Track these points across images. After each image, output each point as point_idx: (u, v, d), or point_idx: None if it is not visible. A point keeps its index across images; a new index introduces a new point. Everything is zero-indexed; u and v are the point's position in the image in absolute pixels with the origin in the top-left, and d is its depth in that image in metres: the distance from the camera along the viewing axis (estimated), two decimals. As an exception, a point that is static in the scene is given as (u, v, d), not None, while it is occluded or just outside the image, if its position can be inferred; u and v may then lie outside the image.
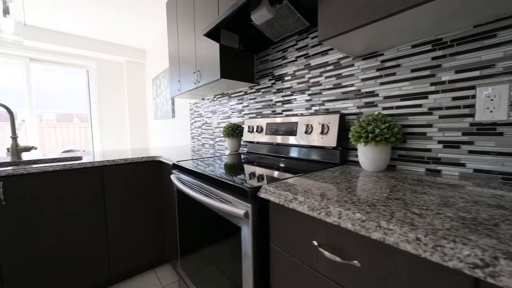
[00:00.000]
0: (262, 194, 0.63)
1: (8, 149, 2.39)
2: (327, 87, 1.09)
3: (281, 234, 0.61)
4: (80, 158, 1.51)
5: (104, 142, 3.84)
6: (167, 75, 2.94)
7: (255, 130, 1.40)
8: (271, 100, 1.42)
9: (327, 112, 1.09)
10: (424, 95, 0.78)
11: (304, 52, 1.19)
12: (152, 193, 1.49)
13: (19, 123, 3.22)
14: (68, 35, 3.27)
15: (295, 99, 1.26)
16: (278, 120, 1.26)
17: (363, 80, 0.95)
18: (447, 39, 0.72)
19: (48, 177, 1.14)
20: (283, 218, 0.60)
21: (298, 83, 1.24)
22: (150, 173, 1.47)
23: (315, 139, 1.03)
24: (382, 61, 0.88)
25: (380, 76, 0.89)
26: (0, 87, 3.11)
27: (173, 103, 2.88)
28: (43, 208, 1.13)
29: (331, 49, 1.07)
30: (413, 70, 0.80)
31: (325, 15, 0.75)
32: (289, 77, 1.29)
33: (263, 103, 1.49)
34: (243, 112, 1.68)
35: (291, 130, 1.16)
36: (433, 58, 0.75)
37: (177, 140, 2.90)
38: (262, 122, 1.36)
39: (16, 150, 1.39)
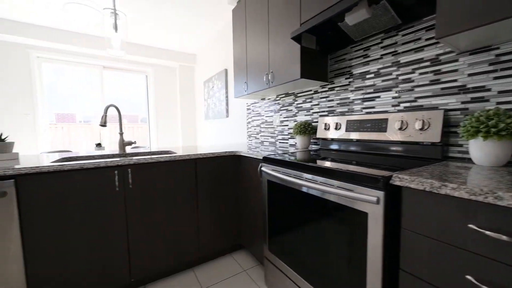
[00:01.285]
0: (397, 182, 0.69)
1: (96, 144, 2.79)
2: (421, 83, 1.10)
3: (419, 219, 0.66)
4: (170, 152, 1.72)
5: (159, 141, 4.22)
6: (221, 77, 3.14)
7: (332, 127, 1.45)
8: (348, 98, 1.46)
9: (425, 108, 1.09)
10: (554, 88, 0.76)
11: (392, 50, 1.21)
12: (231, 183, 1.63)
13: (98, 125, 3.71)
14: (133, 44, 3.69)
15: (379, 96, 1.29)
16: (361, 117, 1.30)
17: (471, 75, 0.94)
18: None
19: (160, 167, 1.33)
20: (424, 203, 0.64)
21: (383, 81, 1.26)
22: (230, 166, 1.61)
23: (412, 135, 1.05)
24: (497, 55, 0.87)
25: (494, 71, 0.88)
26: (79, 92, 3.63)
27: (227, 104, 3.07)
28: (156, 191, 1.33)
29: (427, 45, 1.07)
30: (539, 63, 0.78)
31: (444, 13, 0.78)
32: (371, 75, 1.32)
33: (338, 101, 1.54)
34: (312, 111, 1.75)
35: (379, 126, 1.19)
36: None
37: (230, 138, 3.08)
38: (341, 119, 1.40)
39: (122, 144, 1.64)
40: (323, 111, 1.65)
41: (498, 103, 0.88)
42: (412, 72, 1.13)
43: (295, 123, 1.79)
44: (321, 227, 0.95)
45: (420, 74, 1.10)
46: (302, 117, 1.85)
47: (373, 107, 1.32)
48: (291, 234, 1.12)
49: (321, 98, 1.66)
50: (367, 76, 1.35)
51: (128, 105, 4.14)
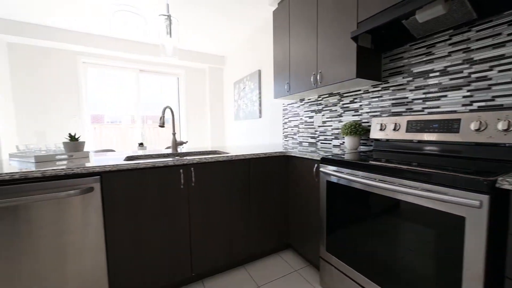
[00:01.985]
0: (505, 186, 0.66)
1: (139, 144, 2.94)
2: (500, 81, 1.04)
3: (534, 225, 0.62)
4: (218, 152, 1.77)
5: (190, 141, 4.36)
6: (254, 78, 3.17)
7: (389, 128, 1.41)
8: (407, 98, 1.41)
9: (505, 108, 1.03)
10: None
11: (463, 47, 1.16)
12: (280, 183, 1.64)
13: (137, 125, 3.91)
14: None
15: (445, 95, 1.23)
16: (424, 117, 1.25)
17: None
18: None
19: (218, 166, 1.38)
20: (542, 209, 0.61)
21: (451, 79, 1.21)
22: (279, 166, 1.63)
23: (493, 136, 0.99)
24: None
25: None
26: (115, 94, 3.85)
27: (260, 104, 3.10)
28: (214, 190, 1.38)
29: (509, 41, 1.01)
30: None
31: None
32: (435, 74, 1.27)
33: (393, 101, 1.49)
34: (361, 111, 1.71)
35: (449, 127, 1.14)
36: None
37: (263, 139, 3.10)
38: (401, 119, 1.36)
39: (175, 144, 1.71)
40: (375, 111, 1.61)
41: None
42: (490, 70, 1.07)
43: (344, 123, 1.77)
44: (398, 230, 0.93)
45: (500, 71, 1.04)
46: (348, 118, 1.81)
47: (437, 107, 1.27)
48: (357, 235, 1.11)
49: (372, 98, 1.62)
50: (431, 75, 1.29)
51: (160, 107, 4.31)
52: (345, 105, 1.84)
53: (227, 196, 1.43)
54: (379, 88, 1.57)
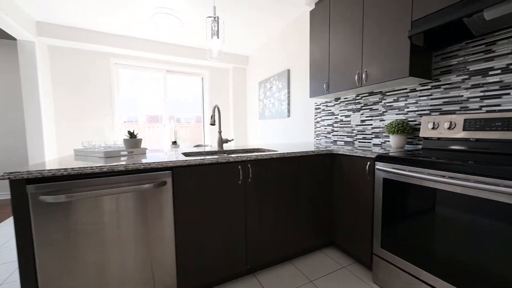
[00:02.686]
0: None
1: (172, 142, 3.03)
2: None
3: None
4: (261, 149, 1.82)
5: (213, 140, 4.44)
6: (282, 78, 3.20)
7: (442, 126, 1.41)
8: (461, 96, 1.40)
9: None
10: None
11: (530, 44, 1.14)
12: (325, 181, 1.66)
13: (164, 124, 4.03)
14: (196, 48, 3.92)
15: (508, 93, 1.22)
16: (484, 115, 1.24)
17: None
18: None
19: (272, 163, 1.42)
20: None
21: (515, 77, 1.19)
22: (324, 164, 1.65)
23: None
24: None
25: None
26: (143, 95, 3.97)
27: (288, 104, 3.12)
28: (267, 185, 1.42)
29: None
30: None
31: None
32: (497, 71, 1.25)
33: (445, 100, 1.48)
34: (406, 109, 1.71)
35: (514, 125, 1.13)
36: None
37: (290, 137, 3.12)
38: (456, 117, 1.35)
39: (221, 141, 1.77)
40: (424, 110, 1.60)
41: None
42: (562, 67, 1.05)
43: (389, 122, 1.76)
44: (468, 226, 0.93)
45: None
46: (391, 116, 1.81)
47: (498, 105, 1.26)
48: (418, 231, 1.11)
49: (421, 96, 1.61)
50: (490, 73, 1.28)
51: (185, 107, 4.42)
52: (388, 104, 1.84)
53: (278, 193, 1.47)
54: (429, 87, 1.57)
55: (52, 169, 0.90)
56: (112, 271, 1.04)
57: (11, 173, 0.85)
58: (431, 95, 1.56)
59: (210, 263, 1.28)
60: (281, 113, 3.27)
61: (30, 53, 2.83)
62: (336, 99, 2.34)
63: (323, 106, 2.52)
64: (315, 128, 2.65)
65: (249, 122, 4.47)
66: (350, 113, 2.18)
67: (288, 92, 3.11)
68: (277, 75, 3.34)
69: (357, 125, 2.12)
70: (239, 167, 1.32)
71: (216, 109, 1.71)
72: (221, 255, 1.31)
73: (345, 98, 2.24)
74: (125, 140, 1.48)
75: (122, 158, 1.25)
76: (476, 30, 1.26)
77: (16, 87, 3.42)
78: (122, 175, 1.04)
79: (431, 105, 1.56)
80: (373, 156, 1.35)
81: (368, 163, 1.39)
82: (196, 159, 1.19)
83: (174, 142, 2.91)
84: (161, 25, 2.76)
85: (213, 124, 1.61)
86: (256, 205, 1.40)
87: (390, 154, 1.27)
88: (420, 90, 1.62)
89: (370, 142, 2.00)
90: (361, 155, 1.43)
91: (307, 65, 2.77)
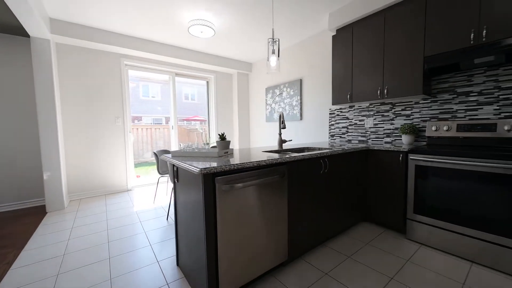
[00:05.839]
0: (550, 158, 1.31)
1: (189, 143, 3.18)
2: (519, 101, 1.76)
3: None
4: (310, 148, 2.24)
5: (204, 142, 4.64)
6: (294, 86, 3.68)
7: (441, 128, 2.07)
8: (452, 108, 2.10)
9: (521, 117, 1.74)
10: None
11: (494, 78, 1.86)
12: (362, 171, 2.19)
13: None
14: (201, 53, 4.09)
15: (482, 108, 1.93)
16: (470, 122, 1.93)
17: (559, 98, 1.60)
18: None
19: (335, 157, 1.86)
20: None
21: (486, 98, 1.91)
22: (360, 157, 2.17)
23: (518, 133, 1.70)
24: None
25: None
26: (154, 99, 3.96)
27: (301, 108, 3.61)
28: (334, 174, 1.86)
29: (524, 78, 1.73)
30: None
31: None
32: (475, 93, 1.96)
33: (440, 110, 2.17)
34: (412, 116, 2.36)
35: (488, 127, 1.83)
36: None
37: (303, 138, 3.62)
38: (451, 123, 2.03)
39: (281, 141, 2.13)
40: (425, 117, 2.27)
41: None
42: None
43: (402, 125, 2.40)
44: (478, 192, 1.55)
45: (519, 95, 1.76)
46: (400, 121, 2.46)
47: (475, 115, 1.97)
48: (439, 199, 1.71)
49: (423, 107, 2.28)
50: (470, 94, 1.99)
51: (191, 110, 4.51)
52: (397, 112, 2.49)
53: (340, 180, 1.92)
54: (429, 101, 2.24)
55: (226, 165, 1.17)
56: (256, 241, 1.34)
57: (205, 168, 1.09)
58: (431, 107, 2.23)
59: (304, 237, 1.65)
60: (293, 117, 3.74)
61: (45, 52, 2.65)
62: (351, 106, 2.93)
63: (337, 111, 3.09)
64: (329, 130, 3.21)
65: (253, 125, 4.82)
66: (364, 118, 2.79)
67: (301, 98, 3.61)
68: (288, 83, 3.80)
69: (370, 127, 2.73)
70: (321, 161, 1.73)
71: (281, 115, 2.07)
72: (310, 229, 1.70)
73: (359, 106, 2.84)
74: (218, 142, 1.72)
75: (224, 158, 1.52)
76: (463, 67, 1.95)
77: (26, 87, 3.04)
78: (260, 169, 1.34)
79: (431, 114, 2.24)
80: (406, 149, 1.92)
81: (401, 155, 1.96)
82: (298, 155, 1.56)
83: (207, 143, 3.08)
84: (195, 34, 2.92)
85: (284, 127, 1.96)
86: (327, 191, 1.82)
87: (417, 148, 1.86)
88: (423, 103, 2.29)
89: (382, 140, 2.63)
90: (395, 149, 2.00)
91: (319, 77, 3.30)
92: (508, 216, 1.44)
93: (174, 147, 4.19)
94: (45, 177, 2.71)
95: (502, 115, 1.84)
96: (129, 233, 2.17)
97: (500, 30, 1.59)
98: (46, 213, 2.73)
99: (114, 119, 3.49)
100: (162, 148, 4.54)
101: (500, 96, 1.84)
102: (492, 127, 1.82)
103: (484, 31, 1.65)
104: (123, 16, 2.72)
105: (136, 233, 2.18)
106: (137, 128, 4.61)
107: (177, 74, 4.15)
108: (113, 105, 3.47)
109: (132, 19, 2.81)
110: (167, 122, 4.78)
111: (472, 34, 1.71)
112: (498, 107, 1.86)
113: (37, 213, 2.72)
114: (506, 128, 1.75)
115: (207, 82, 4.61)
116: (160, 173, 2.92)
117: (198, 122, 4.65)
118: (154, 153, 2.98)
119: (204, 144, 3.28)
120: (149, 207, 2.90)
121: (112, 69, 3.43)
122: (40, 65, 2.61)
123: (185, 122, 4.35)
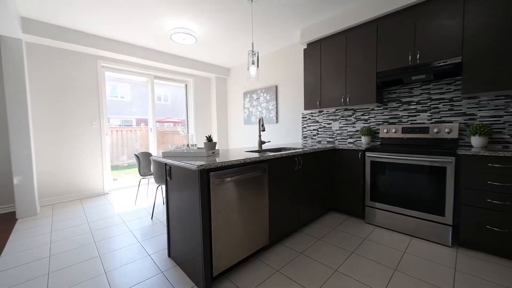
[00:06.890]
0: (461, 152, 1.77)
1: (178, 145, 3.29)
2: (443, 109, 2.27)
3: (473, 176, 1.74)
4: (285, 148, 2.54)
5: (199, 142, 4.74)
6: (269, 91, 3.98)
7: (391, 131, 2.53)
8: (398, 115, 2.57)
9: (446, 121, 2.25)
10: (501, 116, 1.98)
11: (427, 91, 2.36)
12: (328, 167, 2.55)
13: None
14: (180, 57, 4.19)
15: (419, 114, 2.42)
16: (410, 126, 2.40)
17: (468, 108, 2.13)
18: (512, 96, 1.92)
19: (307, 156, 2.18)
20: (475, 165, 1.73)
21: (422, 107, 2.40)
22: (327, 155, 2.54)
23: (443, 135, 2.19)
24: (480, 101, 2.07)
25: (479, 106, 2.08)
26: (132, 100, 3.95)
27: (276, 112, 3.93)
28: (306, 170, 2.17)
29: (447, 92, 2.24)
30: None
31: (467, 81, 1.91)
32: (414, 103, 2.45)
33: (390, 116, 2.64)
34: (369, 121, 2.81)
35: (423, 130, 2.31)
36: (505, 102, 1.95)
37: (279, 139, 3.94)
38: (397, 126, 2.50)
39: (261, 142, 2.39)
40: (379, 121, 2.73)
41: (480, 121, 2.07)
42: (439, 104, 2.29)
43: (361, 128, 2.82)
44: (415, 180, 1.98)
45: (444, 105, 2.26)
46: (360, 124, 2.90)
47: (415, 120, 2.45)
48: (390, 187, 2.13)
49: (377, 113, 2.74)
50: (411, 103, 2.47)
51: (169, 112, 4.55)
52: (357, 117, 2.92)
53: (310, 175, 2.24)
54: (381, 108, 2.70)
55: (219, 162, 1.38)
56: (242, 228, 1.56)
57: (201, 165, 1.29)
58: (383, 113, 2.70)
59: (283, 224, 1.93)
60: (269, 120, 4.04)
61: (16, 52, 2.55)
62: (320, 111, 3.32)
63: (309, 116, 3.46)
64: (302, 132, 3.57)
65: (231, 127, 5.02)
66: (331, 121, 3.19)
67: (276, 103, 3.93)
68: (265, 89, 4.09)
69: (336, 130, 3.14)
70: (295, 159, 2.02)
71: (261, 119, 2.33)
72: (287, 217, 1.98)
73: (327, 111, 3.24)
74: (205, 143, 1.92)
75: (211, 157, 1.74)
76: (405, 81, 2.43)
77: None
78: (245, 166, 1.58)
79: (383, 119, 2.70)
80: (363, 148, 2.32)
81: (360, 153, 2.36)
82: (276, 154, 1.83)
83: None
84: (177, 41, 3.05)
85: (263, 130, 2.23)
86: (301, 184, 2.13)
87: (372, 147, 2.27)
88: (377, 109, 2.74)
89: (346, 141, 3.05)
90: (356, 148, 2.39)
91: (293, 84, 3.66)
92: (429, 197, 1.89)
93: (152, 149, 4.19)
94: (15, 181, 2.59)
95: (433, 120, 2.34)
96: (115, 233, 2.23)
97: (429, 55, 2.06)
98: (17, 219, 2.61)
99: (90, 122, 3.42)
100: (140, 151, 4.48)
101: (431, 105, 2.34)
102: (426, 130, 2.31)
103: (418, 55, 2.11)
104: (98, 16, 2.74)
105: (122, 232, 2.25)
106: (111, 131, 4.45)
107: (156, 77, 4.18)
108: (88, 106, 3.40)
109: (110, 22, 2.84)
110: (138, 123, 4.74)
111: (410, 56, 2.17)
112: (430, 114, 2.36)
113: (7, 220, 2.58)
114: (435, 130, 2.24)
115: (186, 85, 4.70)
116: (141, 175, 2.97)
117: (172, 124, 4.69)
118: (136, 155, 3.02)
119: (191, 145, 3.40)
120: (130, 209, 2.93)
121: (88, 70, 3.37)
122: (11, 66, 2.51)
123: (157, 124, 4.38)
